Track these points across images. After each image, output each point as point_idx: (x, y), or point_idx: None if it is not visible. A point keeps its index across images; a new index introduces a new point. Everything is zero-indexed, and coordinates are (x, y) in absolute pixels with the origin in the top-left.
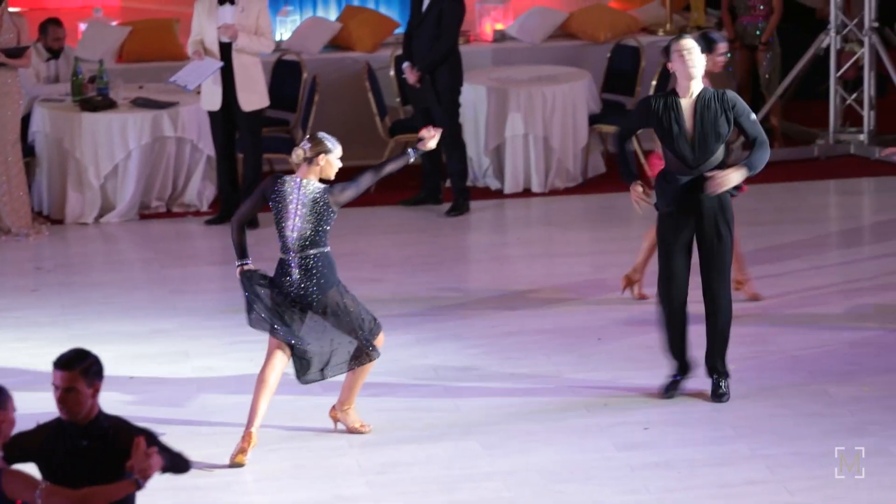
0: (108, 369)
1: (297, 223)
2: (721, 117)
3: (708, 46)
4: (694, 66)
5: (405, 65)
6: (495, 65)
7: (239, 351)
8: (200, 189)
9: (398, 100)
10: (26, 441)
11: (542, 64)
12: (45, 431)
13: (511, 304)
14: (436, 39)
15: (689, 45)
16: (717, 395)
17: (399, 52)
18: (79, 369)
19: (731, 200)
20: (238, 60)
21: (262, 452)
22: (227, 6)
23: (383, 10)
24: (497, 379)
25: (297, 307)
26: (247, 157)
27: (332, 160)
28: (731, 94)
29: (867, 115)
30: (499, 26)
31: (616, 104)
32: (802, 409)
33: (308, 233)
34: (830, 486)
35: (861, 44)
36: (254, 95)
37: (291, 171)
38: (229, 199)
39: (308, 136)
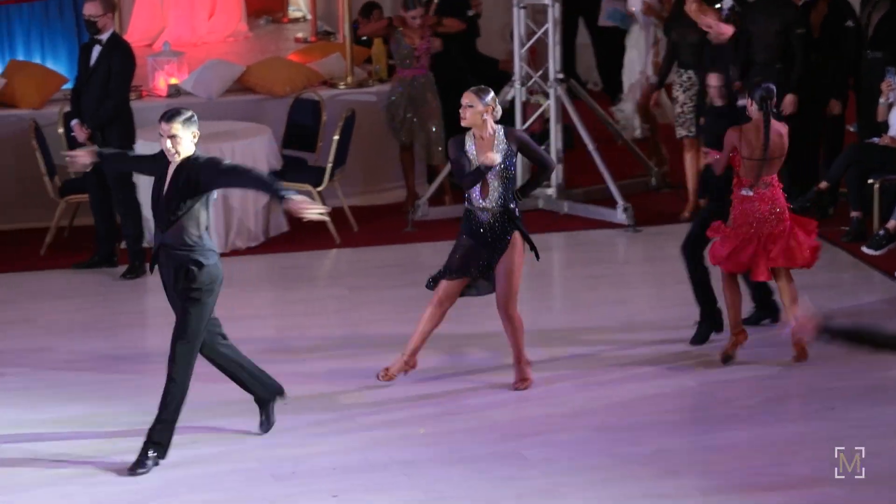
0: None
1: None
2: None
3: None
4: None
5: (74, 122)
6: None
7: None
8: None
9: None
10: None
11: (220, 119)
12: None
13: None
14: (105, 95)
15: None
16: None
17: (67, 108)
18: None
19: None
20: None
21: None
22: None
23: (50, 64)
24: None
25: None
26: None
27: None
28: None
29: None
30: (173, 80)
31: (297, 160)
32: (495, 474)
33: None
34: None
35: (547, 96)
36: None
37: None
38: None
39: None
